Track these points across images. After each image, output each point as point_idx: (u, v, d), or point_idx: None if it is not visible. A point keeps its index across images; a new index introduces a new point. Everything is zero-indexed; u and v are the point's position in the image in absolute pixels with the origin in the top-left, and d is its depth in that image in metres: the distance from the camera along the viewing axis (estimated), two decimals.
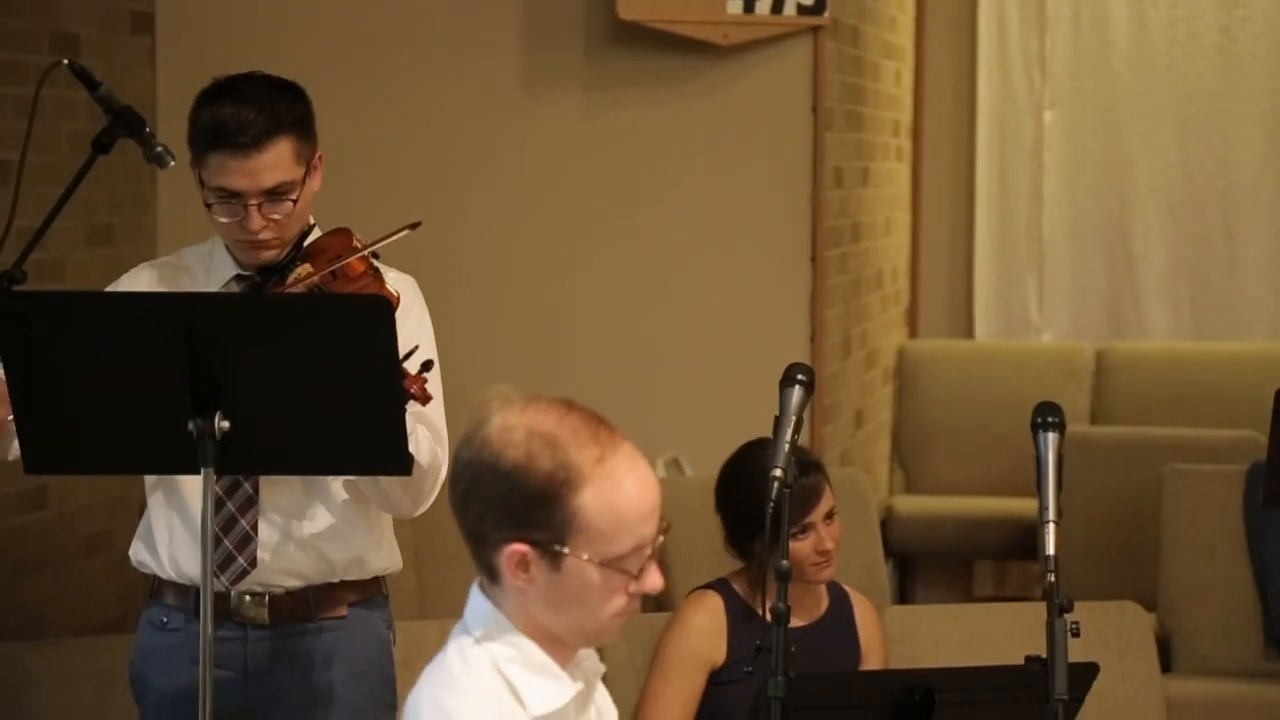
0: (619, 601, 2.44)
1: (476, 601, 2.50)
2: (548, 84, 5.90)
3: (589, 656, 2.55)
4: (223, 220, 3.48)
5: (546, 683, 2.47)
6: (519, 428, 2.42)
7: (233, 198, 3.46)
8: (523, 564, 2.41)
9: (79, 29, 5.34)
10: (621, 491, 2.42)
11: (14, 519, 5.04)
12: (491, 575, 2.46)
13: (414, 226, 3.51)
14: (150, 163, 3.59)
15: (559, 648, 2.49)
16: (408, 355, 3.31)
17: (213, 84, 3.54)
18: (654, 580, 2.46)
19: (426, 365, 3.34)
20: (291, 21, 5.80)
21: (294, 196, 3.49)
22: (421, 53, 5.90)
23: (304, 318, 3.29)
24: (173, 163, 3.59)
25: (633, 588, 2.44)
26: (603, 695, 2.60)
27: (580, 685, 2.51)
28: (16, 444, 3.35)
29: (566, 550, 2.40)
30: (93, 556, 5.39)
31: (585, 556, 2.40)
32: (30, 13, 5.12)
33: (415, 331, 3.49)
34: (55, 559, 5.28)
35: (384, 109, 5.86)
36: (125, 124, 3.57)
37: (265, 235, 3.49)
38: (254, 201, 3.46)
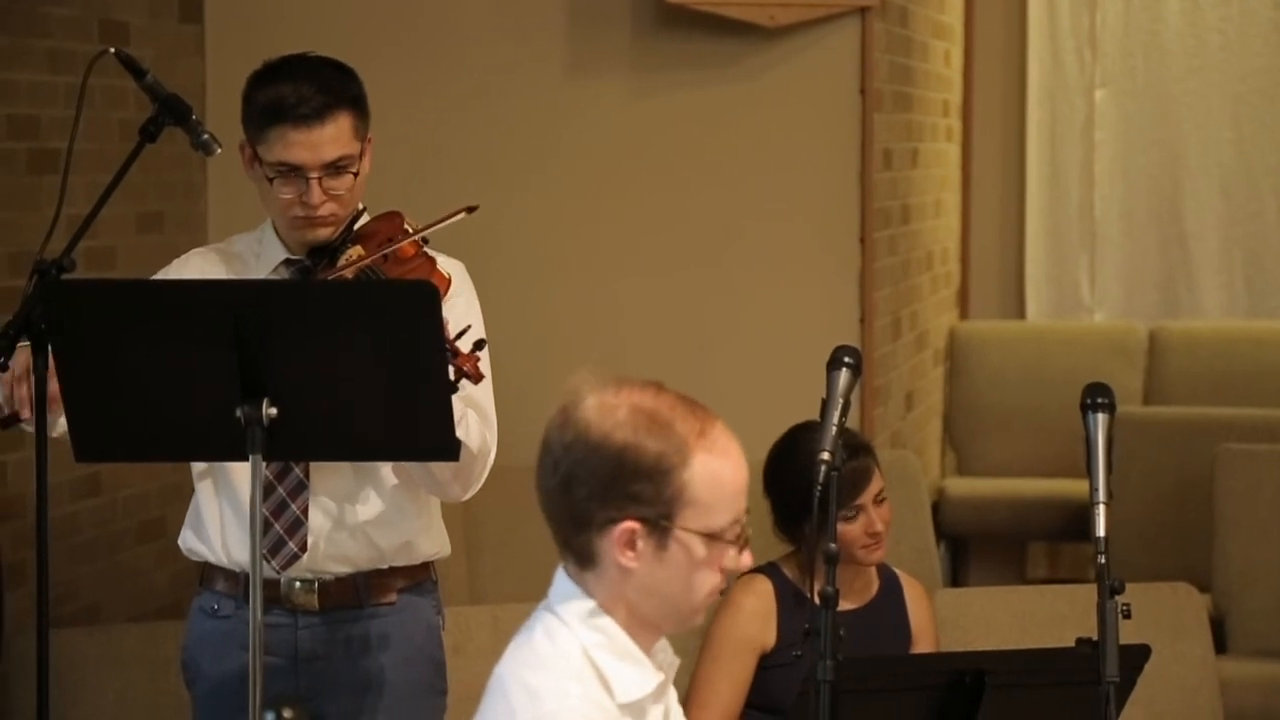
0: (714, 578, 2.48)
1: (564, 585, 2.51)
2: (594, 68, 5.89)
3: (664, 649, 2.57)
4: (285, 195, 3.48)
5: (632, 670, 2.49)
6: (621, 406, 2.45)
7: (294, 172, 3.47)
8: (631, 542, 2.44)
9: (128, 17, 5.36)
10: (724, 463, 2.47)
11: (68, 506, 5.07)
12: (586, 559, 2.48)
13: (470, 210, 3.51)
14: (197, 150, 3.60)
15: (646, 634, 2.51)
16: (460, 334, 3.31)
17: (265, 65, 3.56)
18: (747, 556, 2.51)
19: (479, 344, 3.34)
20: (339, 9, 5.81)
21: (354, 170, 3.50)
22: (468, 38, 5.90)
23: (350, 303, 3.29)
24: (219, 150, 3.60)
25: (728, 562, 2.48)
26: (672, 697, 2.62)
27: (662, 676, 2.52)
28: (63, 420, 3.36)
29: (675, 524, 2.43)
30: (146, 543, 5.41)
31: (692, 528, 2.44)
32: (80, 1, 5.14)
33: (465, 313, 3.49)
34: (109, 546, 5.31)
35: (431, 94, 5.86)
36: (172, 111, 3.58)
37: (325, 210, 3.49)
38: (315, 175, 3.46)
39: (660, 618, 2.51)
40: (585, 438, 2.44)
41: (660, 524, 2.44)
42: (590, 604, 2.48)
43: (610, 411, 2.45)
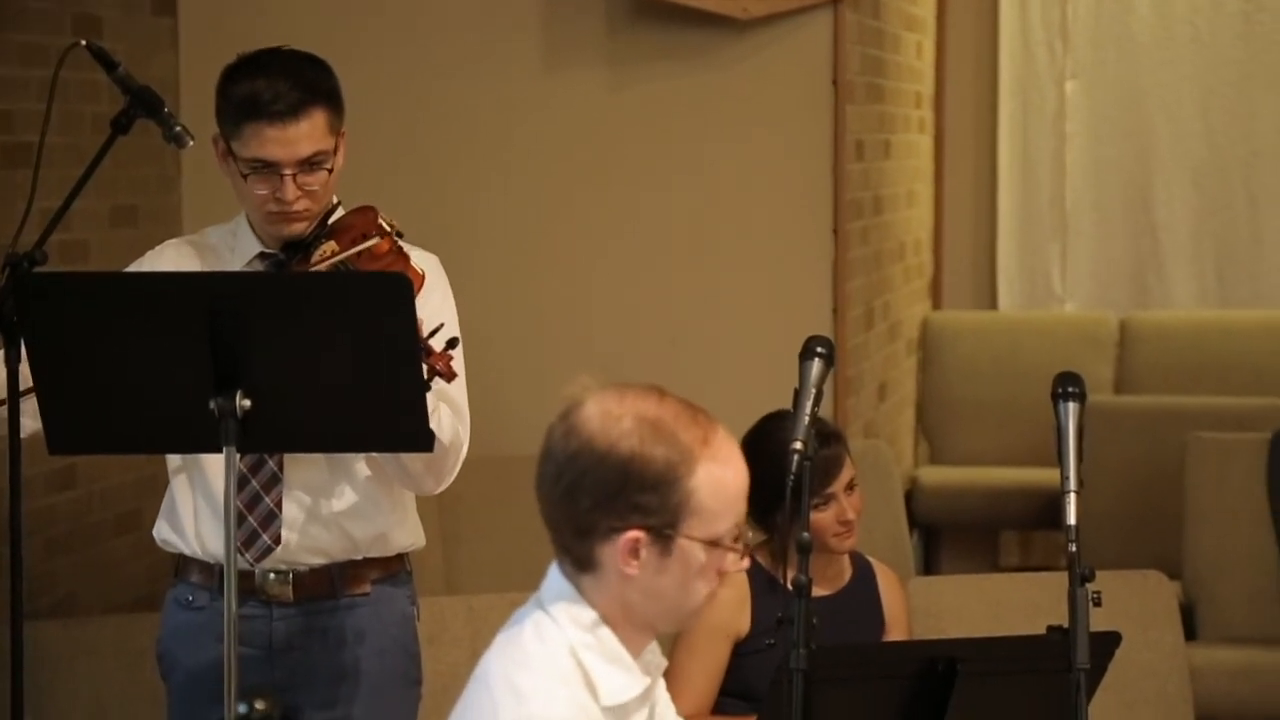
0: (712, 583, 2.48)
1: (558, 584, 2.50)
2: (569, 60, 5.89)
3: (653, 650, 2.57)
4: (259, 191, 3.47)
5: (619, 674, 2.48)
6: (625, 416, 2.44)
7: (268, 168, 3.46)
8: (635, 551, 2.43)
9: (101, 11, 5.34)
10: (726, 470, 2.47)
11: (44, 499, 5.06)
12: (586, 565, 2.47)
13: (397, 234, 3.50)
14: (169, 143, 3.58)
15: (637, 636, 2.51)
16: (433, 333, 3.31)
17: (239, 59, 3.54)
18: (744, 561, 2.52)
19: (452, 343, 3.34)
20: (313, 2, 5.80)
21: (328, 166, 3.49)
22: (443, 30, 5.89)
23: (324, 296, 3.29)
24: (191, 143, 3.59)
25: (727, 566, 2.48)
26: (660, 688, 2.62)
27: (648, 680, 2.52)
28: (32, 420, 3.35)
29: (679, 533, 2.42)
30: (122, 535, 5.40)
31: (695, 536, 2.43)
32: None
33: (439, 309, 3.49)
34: (85, 538, 5.30)
35: (406, 87, 5.85)
36: (143, 104, 3.57)
37: (299, 206, 3.48)
38: (289, 171, 3.45)
39: (657, 620, 2.51)
40: (590, 447, 2.43)
41: (665, 533, 2.43)
42: (584, 605, 2.48)
43: (615, 421, 2.43)
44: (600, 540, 2.44)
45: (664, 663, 2.60)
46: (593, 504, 2.43)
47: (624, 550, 2.43)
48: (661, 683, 2.63)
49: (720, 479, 2.45)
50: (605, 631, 2.47)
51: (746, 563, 2.52)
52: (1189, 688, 4.80)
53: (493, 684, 2.45)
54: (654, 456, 2.42)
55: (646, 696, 2.55)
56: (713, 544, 2.45)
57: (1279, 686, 5.64)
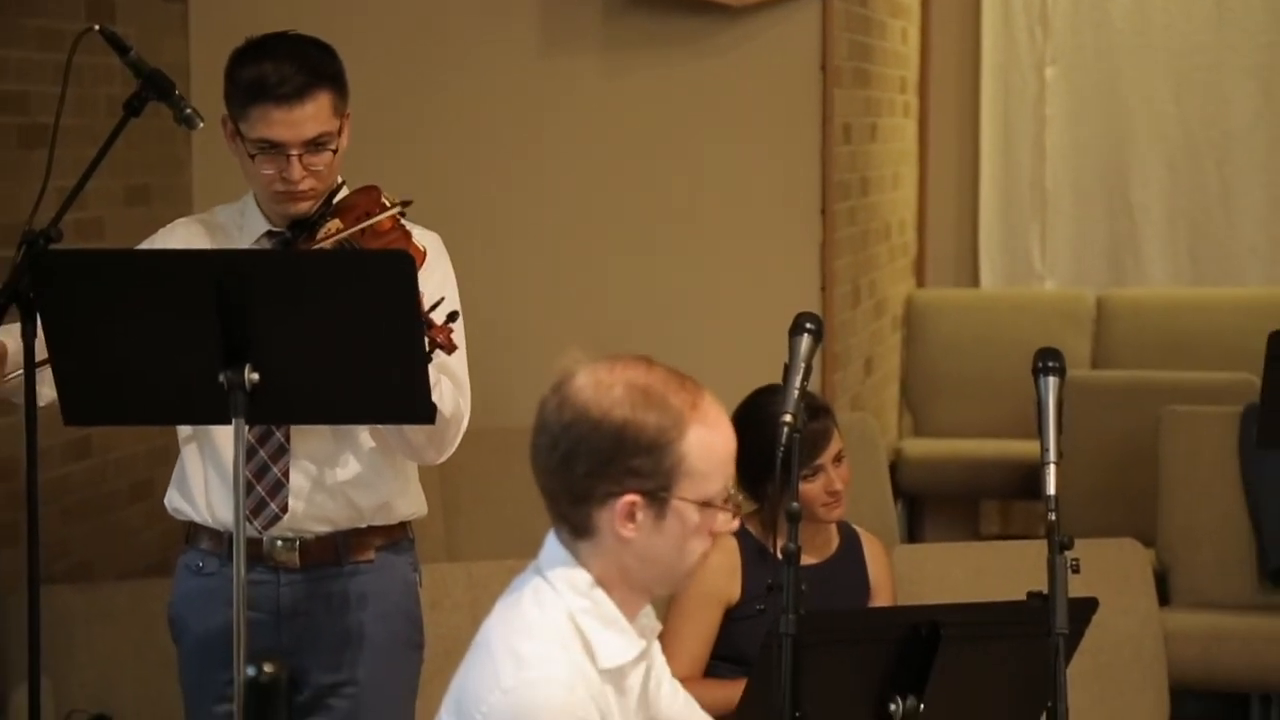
0: (705, 543, 2.48)
1: (556, 551, 2.49)
2: (567, 47, 5.87)
3: (648, 614, 2.56)
4: (266, 171, 3.46)
5: (616, 637, 2.48)
6: (616, 384, 2.44)
7: (275, 148, 3.44)
8: (631, 514, 2.43)
9: None
10: (715, 433, 2.47)
11: (60, 468, 5.05)
12: (583, 531, 2.46)
13: (405, 205, 3.48)
14: (180, 124, 3.57)
15: (636, 598, 2.50)
16: (434, 306, 3.30)
17: (247, 43, 3.52)
18: (735, 521, 2.52)
19: (452, 316, 3.33)
20: None
21: (333, 147, 3.47)
22: (446, 17, 5.87)
23: (330, 273, 3.27)
24: (201, 124, 3.57)
25: (719, 526, 2.48)
26: (656, 650, 2.61)
27: (644, 643, 2.51)
28: (50, 390, 3.33)
29: (673, 495, 2.42)
30: (135, 504, 5.39)
31: (688, 498, 2.43)
32: None
33: (440, 285, 3.48)
34: (99, 506, 5.29)
35: (409, 70, 5.83)
36: (155, 87, 3.55)
37: (305, 185, 3.47)
38: (295, 152, 3.44)
39: (653, 582, 2.51)
40: (585, 416, 2.43)
41: (659, 495, 2.43)
42: (581, 571, 2.47)
43: (606, 390, 2.43)
44: (597, 506, 2.44)
45: (659, 626, 2.59)
46: (588, 470, 2.43)
47: (621, 514, 2.43)
48: (657, 645, 2.62)
49: (710, 442, 2.45)
50: (600, 594, 2.47)
51: (737, 523, 2.53)
52: (1163, 651, 4.80)
53: (494, 649, 2.44)
54: (646, 422, 2.42)
55: (642, 658, 2.54)
56: (705, 504, 2.46)
57: (1249, 650, 5.63)
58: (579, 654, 2.44)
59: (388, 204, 3.49)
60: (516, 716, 2.37)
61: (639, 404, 2.42)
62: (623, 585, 2.48)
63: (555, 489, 2.46)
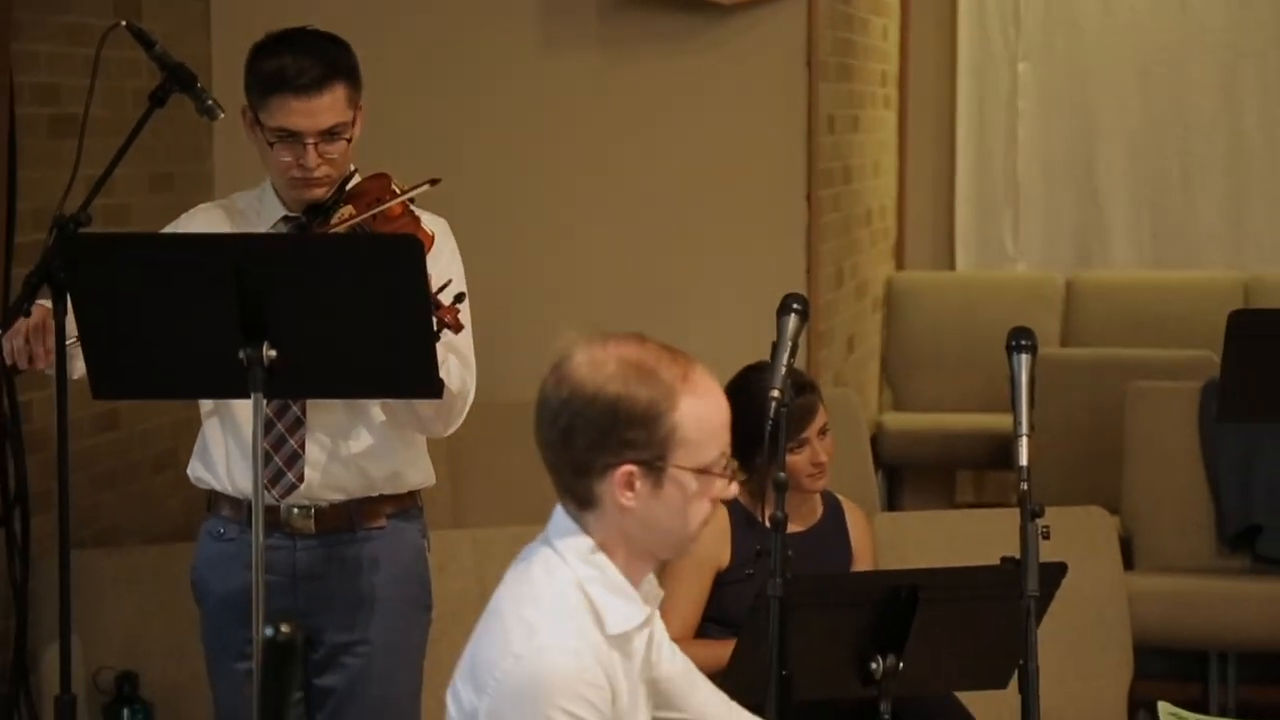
0: (706, 508, 2.47)
1: (563, 522, 2.48)
2: (567, 44, 5.85)
3: (651, 582, 2.55)
4: (284, 159, 3.45)
5: (622, 604, 2.46)
6: (609, 361, 2.42)
7: (292, 137, 3.43)
8: (630, 483, 2.41)
9: None
10: (707, 403, 2.45)
11: (89, 439, 5.04)
12: (587, 502, 2.44)
13: (434, 182, 3.47)
14: (201, 115, 3.56)
15: (638, 565, 2.49)
16: (441, 288, 3.28)
17: (267, 37, 3.51)
18: (734, 486, 2.50)
19: (459, 297, 3.32)
20: None
21: (347, 136, 3.46)
22: (454, 15, 5.86)
23: (342, 256, 3.26)
24: (222, 115, 3.56)
25: (718, 492, 2.46)
26: (656, 615, 2.60)
27: (649, 610, 2.50)
28: (79, 365, 3.33)
29: (669, 464, 2.40)
30: (160, 473, 5.38)
31: (684, 465, 2.41)
32: None
33: (448, 267, 3.46)
34: (126, 475, 5.28)
35: (419, 65, 5.81)
36: (178, 79, 3.54)
37: (320, 172, 3.46)
38: (311, 140, 3.42)
39: (657, 548, 2.49)
40: (581, 392, 2.41)
41: (655, 465, 2.41)
42: (588, 541, 2.46)
43: (600, 366, 2.42)
44: (597, 477, 2.43)
45: (661, 593, 2.58)
46: (587, 444, 2.42)
47: (620, 483, 2.42)
48: (657, 612, 2.61)
49: (702, 411, 2.44)
50: (606, 562, 2.45)
51: (736, 488, 2.50)
52: (1127, 612, 4.80)
53: (506, 618, 2.43)
54: (638, 395, 2.40)
55: (646, 624, 2.53)
56: (702, 472, 2.44)
57: (1208, 610, 5.64)
58: (588, 621, 2.42)
59: (397, 190, 3.49)
60: (529, 682, 2.36)
61: (631, 378, 2.41)
62: (627, 553, 2.46)
63: (558, 462, 2.45)
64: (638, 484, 2.41)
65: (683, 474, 2.43)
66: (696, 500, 2.45)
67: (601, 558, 2.45)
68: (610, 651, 2.43)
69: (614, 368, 2.41)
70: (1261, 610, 5.59)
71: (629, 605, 2.46)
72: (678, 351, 2.47)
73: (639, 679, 2.52)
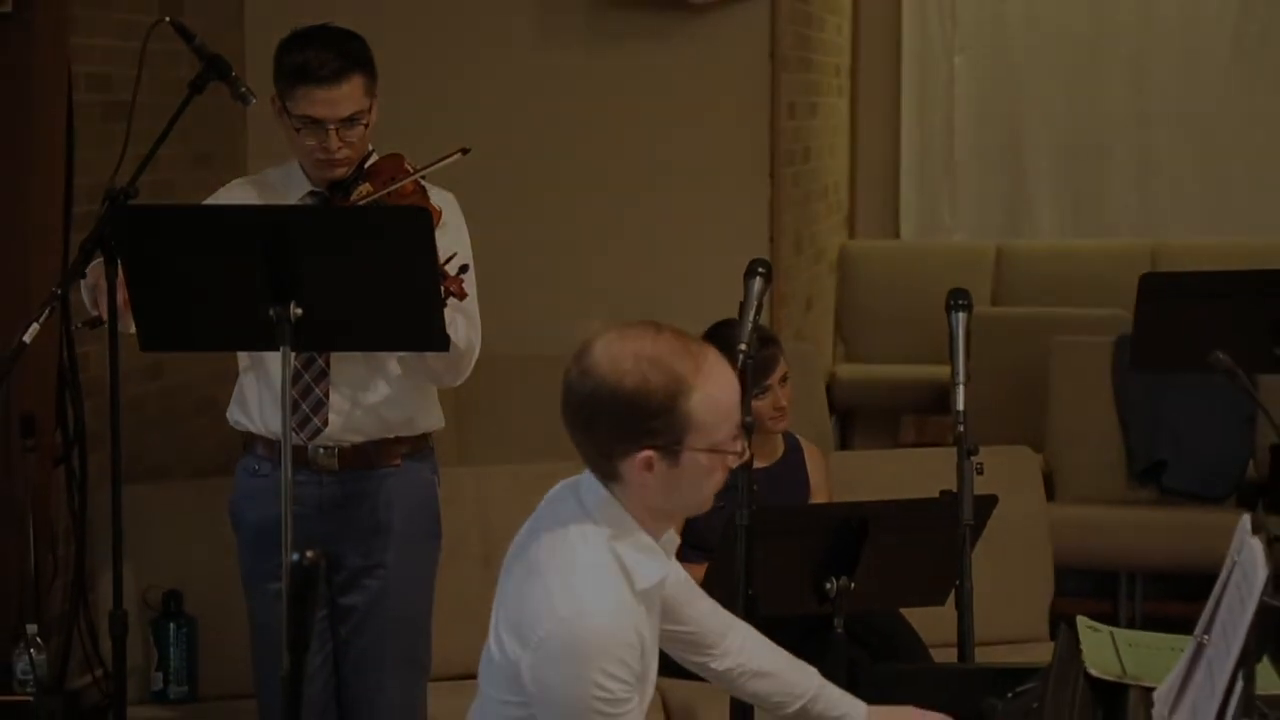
0: (720, 477, 2.42)
1: (593, 487, 2.43)
2: (557, 39, 5.83)
3: (669, 535, 2.52)
4: (308, 143, 3.42)
5: (649, 560, 2.42)
6: (626, 356, 2.36)
7: (316, 123, 3.40)
8: (649, 465, 2.36)
9: None
10: (719, 389, 2.38)
11: (138, 387, 5.02)
12: (611, 476, 2.40)
13: (464, 151, 3.43)
14: (236, 101, 3.53)
15: (661, 524, 2.46)
16: (448, 260, 3.26)
17: (292, 34, 3.47)
18: (746, 453, 2.47)
19: (463, 268, 3.29)
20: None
21: (364, 122, 3.43)
22: (458, 15, 5.84)
23: (361, 227, 3.23)
24: (255, 101, 3.53)
25: (732, 461, 2.41)
26: (672, 560, 2.57)
27: (670, 561, 2.47)
28: (130, 320, 3.31)
29: (684, 447, 2.36)
30: (200, 417, 5.36)
31: (698, 447, 2.36)
32: None
33: (454, 240, 3.43)
34: (171, 418, 5.26)
35: (428, 58, 5.79)
36: (216, 69, 3.51)
37: (341, 154, 3.43)
38: (333, 126, 3.39)
39: (678, 510, 2.46)
40: (601, 386, 2.35)
41: (672, 449, 2.36)
42: (617, 505, 2.41)
43: (618, 361, 2.35)
44: (619, 459, 2.38)
45: (677, 540, 2.56)
46: (609, 433, 2.37)
47: (640, 466, 2.36)
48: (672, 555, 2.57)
49: (714, 397, 2.37)
50: (633, 524, 2.40)
51: (747, 454, 2.44)
52: (1049, 539, 4.80)
53: (549, 580, 2.37)
54: (654, 388, 2.34)
55: (666, 570, 2.50)
56: (714, 450, 2.38)
57: (1119, 537, 5.66)
58: (620, 581, 2.38)
59: (410, 169, 3.46)
60: (572, 642, 2.32)
61: (647, 372, 2.34)
62: (650, 515, 2.43)
63: (584, 444, 2.41)
64: (656, 465, 2.36)
65: (696, 454, 2.37)
66: (711, 472, 2.40)
67: (629, 520, 2.41)
68: (638, 606, 2.39)
69: (630, 363, 2.35)
70: (1165, 536, 5.62)
71: (654, 560, 2.43)
72: (690, 340, 2.41)
73: (658, 623, 2.50)
